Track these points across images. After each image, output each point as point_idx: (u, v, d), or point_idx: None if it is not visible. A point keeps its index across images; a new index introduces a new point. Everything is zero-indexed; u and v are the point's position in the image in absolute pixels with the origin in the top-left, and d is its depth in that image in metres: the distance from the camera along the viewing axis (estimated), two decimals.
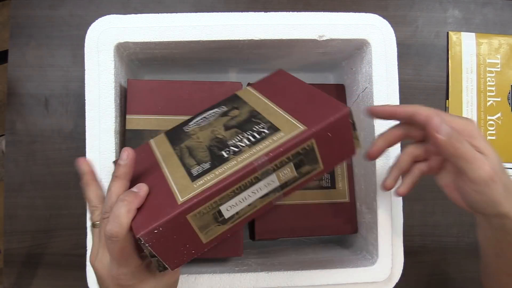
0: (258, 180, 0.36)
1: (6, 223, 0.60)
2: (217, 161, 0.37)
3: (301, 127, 0.37)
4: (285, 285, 0.47)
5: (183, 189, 0.35)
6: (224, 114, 0.44)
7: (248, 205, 0.36)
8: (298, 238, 0.62)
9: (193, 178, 0.36)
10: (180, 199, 0.34)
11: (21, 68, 0.61)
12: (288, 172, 0.37)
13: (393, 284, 0.50)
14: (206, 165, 0.37)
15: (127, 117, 0.49)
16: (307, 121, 0.37)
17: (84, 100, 0.47)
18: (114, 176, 0.38)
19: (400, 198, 0.50)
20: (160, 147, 0.43)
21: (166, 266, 0.35)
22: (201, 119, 0.45)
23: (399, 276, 0.50)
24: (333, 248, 0.60)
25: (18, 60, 0.61)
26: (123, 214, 0.34)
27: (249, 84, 0.49)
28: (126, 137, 0.49)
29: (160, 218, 0.33)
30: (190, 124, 0.45)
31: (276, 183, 0.37)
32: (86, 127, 0.46)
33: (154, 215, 0.34)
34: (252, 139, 0.38)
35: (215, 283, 0.46)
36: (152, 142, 0.45)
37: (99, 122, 0.46)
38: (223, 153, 0.38)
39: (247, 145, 0.38)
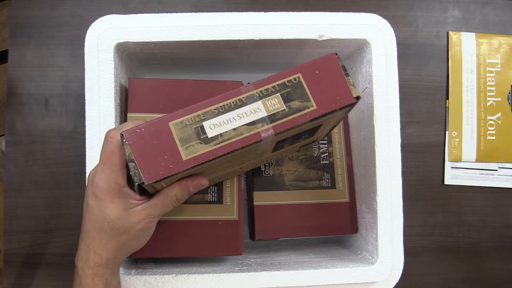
0: (243, 103, 0.36)
1: (6, 223, 0.60)
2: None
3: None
4: (285, 285, 0.47)
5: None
6: None
7: (233, 129, 0.36)
8: (298, 238, 0.62)
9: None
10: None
11: (21, 68, 0.61)
12: (275, 103, 0.37)
13: (393, 284, 0.50)
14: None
15: (128, 115, 0.49)
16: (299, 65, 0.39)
17: (84, 100, 0.47)
18: None
19: (400, 198, 0.50)
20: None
21: (141, 175, 0.34)
22: None
23: (399, 276, 0.50)
24: (333, 248, 0.60)
25: (18, 60, 0.62)
26: (128, 124, 0.37)
27: None
28: None
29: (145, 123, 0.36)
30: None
31: (264, 113, 0.37)
32: (86, 127, 0.46)
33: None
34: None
35: (215, 283, 0.46)
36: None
37: (99, 122, 0.46)
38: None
39: None
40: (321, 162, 0.56)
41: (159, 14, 0.48)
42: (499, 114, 0.68)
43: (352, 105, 0.39)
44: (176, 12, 0.48)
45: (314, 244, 0.62)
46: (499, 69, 0.68)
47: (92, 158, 0.46)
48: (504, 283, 0.66)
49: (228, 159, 0.37)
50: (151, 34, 0.47)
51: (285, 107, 0.37)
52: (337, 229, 0.56)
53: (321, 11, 0.50)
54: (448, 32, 0.68)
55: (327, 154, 0.57)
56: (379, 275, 0.49)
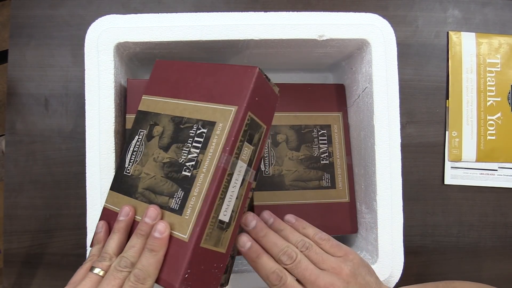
0: (231, 175, 0.36)
1: (6, 223, 0.60)
2: (186, 183, 0.37)
3: (232, 108, 0.37)
4: None
5: (179, 226, 0.36)
6: (149, 137, 0.42)
7: (236, 199, 0.37)
8: None
9: (178, 211, 0.36)
10: (185, 236, 0.35)
11: (21, 68, 0.61)
12: (247, 150, 0.38)
13: (393, 284, 0.50)
14: (180, 193, 0.37)
15: (127, 116, 0.49)
16: (231, 100, 0.38)
17: (84, 100, 0.47)
18: (115, 230, 0.38)
19: (400, 198, 0.50)
20: (119, 204, 0.41)
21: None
22: (131, 155, 0.42)
23: (399, 276, 0.50)
24: None
25: (18, 60, 0.62)
26: (153, 265, 0.34)
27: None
28: (126, 136, 0.49)
29: (182, 262, 0.34)
30: (126, 167, 0.42)
31: (244, 166, 0.38)
32: (86, 127, 0.47)
33: (173, 261, 0.35)
34: (198, 145, 0.38)
35: None
36: (109, 205, 0.42)
37: (99, 122, 0.46)
38: (184, 173, 0.38)
39: (198, 153, 0.38)
40: (321, 162, 0.56)
41: (159, 14, 0.48)
42: (499, 114, 0.67)
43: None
44: (176, 12, 0.48)
45: None
46: (499, 69, 0.68)
47: (92, 158, 0.46)
48: (504, 283, 0.66)
49: None
50: (151, 34, 0.47)
51: (252, 147, 0.38)
52: (337, 229, 0.56)
53: (321, 11, 0.50)
54: (448, 32, 0.68)
55: (327, 154, 0.57)
56: (379, 275, 0.49)
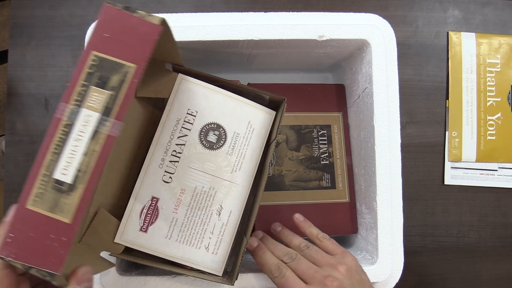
0: (70, 126, 0.32)
1: None
2: None
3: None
4: None
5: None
6: None
7: (84, 155, 0.32)
8: None
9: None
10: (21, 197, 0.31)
11: (21, 68, 0.61)
12: (98, 96, 0.33)
13: (393, 284, 0.50)
14: None
15: None
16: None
17: None
18: None
19: (400, 198, 0.50)
20: None
21: (49, 271, 0.30)
22: None
23: (399, 276, 0.50)
24: None
25: (18, 60, 0.61)
26: None
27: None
28: None
29: (8, 225, 0.31)
30: None
31: (96, 114, 0.32)
32: None
33: None
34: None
35: (214, 284, 0.46)
36: None
37: None
38: None
39: None
40: (321, 162, 0.56)
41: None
42: (499, 114, 0.67)
43: (166, 33, 0.35)
44: (176, 12, 0.48)
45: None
46: (499, 69, 0.68)
47: None
48: (504, 283, 0.66)
49: (108, 169, 0.33)
50: None
51: (109, 92, 0.33)
52: (337, 229, 0.56)
53: (321, 11, 0.50)
54: (448, 32, 0.68)
55: (327, 154, 0.57)
56: (379, 275, 0.49)
